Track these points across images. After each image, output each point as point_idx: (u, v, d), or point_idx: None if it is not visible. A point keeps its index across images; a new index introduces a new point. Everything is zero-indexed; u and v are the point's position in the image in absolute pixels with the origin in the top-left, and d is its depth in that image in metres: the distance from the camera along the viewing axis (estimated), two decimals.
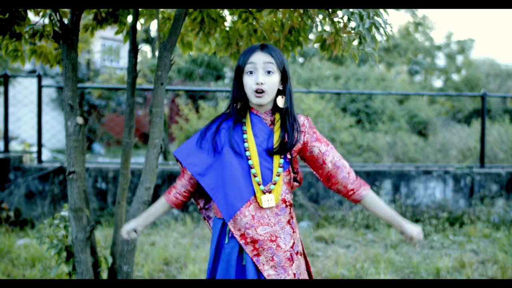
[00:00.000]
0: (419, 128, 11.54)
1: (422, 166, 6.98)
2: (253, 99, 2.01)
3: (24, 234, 5.42)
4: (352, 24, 2.43)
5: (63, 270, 3.83)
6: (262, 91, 1.98)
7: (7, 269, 4.16)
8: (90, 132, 13.60)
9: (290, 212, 2.07)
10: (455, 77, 23.91)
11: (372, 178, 6.44)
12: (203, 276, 4.17)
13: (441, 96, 15.81)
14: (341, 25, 2.52)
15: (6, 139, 6.28)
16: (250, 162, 2.00)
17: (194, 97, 14.10)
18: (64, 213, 3.45)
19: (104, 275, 3.40)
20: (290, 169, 2.07)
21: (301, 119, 2.10)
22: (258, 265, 1.98)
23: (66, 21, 2.87)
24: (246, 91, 2.02)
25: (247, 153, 2.01)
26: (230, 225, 1.99)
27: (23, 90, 10.41)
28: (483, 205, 6.43)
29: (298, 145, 2.07)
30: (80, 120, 2.85)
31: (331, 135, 9.10)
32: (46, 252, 3.39)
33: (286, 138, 2.01)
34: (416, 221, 6.09)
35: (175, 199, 2.15)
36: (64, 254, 3.33)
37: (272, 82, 1.99)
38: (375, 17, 2.32)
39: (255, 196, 2.00)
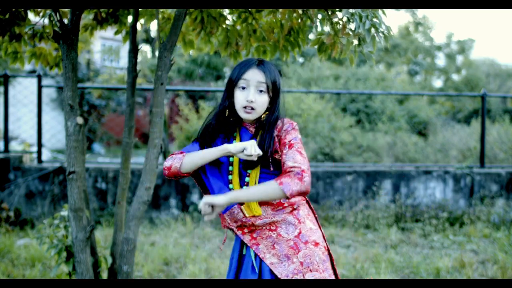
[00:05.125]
0: (419, 128, 11.53)
1: (422, 166, 6.98)
2: (242, 114, 2.07)
3: (24, 234, 5.42)
4: (352, 25, 2.43)
5: (63, 270, 3.83)
6: (252, 108, 2.05)
7: (7, 269, 4.17)
8: (90, 132, 13.60)
9: (294, 210, 2.09)
10: (455, 77, 23.89)
11: (372, 178, 6.44)
12: (203, 276, 4.17)
13: (441, 96, 15.81)
14: (340, 26, 2.52)
15: (6, 139, 6.28)
16: (229, 177, 2.09)
17: (194, 97, 14.11)
18: (64, 213, 3.46)
19: (104, 275, 3.40)
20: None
21: (283, 123, 2.08)
22: (258, 254, 2.02)
23: (66, 21, 2.87)
24: (236, 105, 2.08)
25: (230, 171, 2.10)
26: (227, 217, 2.06)
27: (23, 90, 10.41)
28: (483, 205, 6.43)
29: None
30: (80, 120, 2.85)
31: (331, 135, 9.10)
32: (46, 252, 3.39)
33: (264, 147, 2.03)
34: (416, 221, 6.10)
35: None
36: (64, 254, 3.33)
37: (262, 101, 2.06)
38: (374, 19, 2.32)
39: None
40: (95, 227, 5.37)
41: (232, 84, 2.09)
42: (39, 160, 6.23)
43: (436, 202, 6.41)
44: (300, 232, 2.05)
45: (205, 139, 2.13)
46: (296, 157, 1.96)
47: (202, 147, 2.13)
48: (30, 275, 4.04)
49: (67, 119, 2.83)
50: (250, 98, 2.03)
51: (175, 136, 10.68)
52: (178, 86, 14.39)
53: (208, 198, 1.89)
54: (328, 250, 2.14)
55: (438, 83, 24.58)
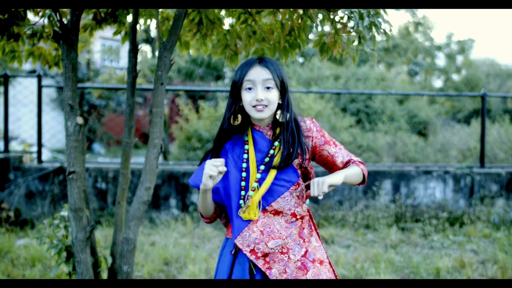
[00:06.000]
0: (419, 128, 11.53)
1: (422, 166, 6.98)
2: (254, 114, 2.00)
3: (24, 234, 5.42)
4: (352, 23, 2.43)
5: (63, 270, 3.83)
6: (265, 106, 1.99)
7: (7, 269, 4.17)
8: (90, 132, 13.60)
9: (302, 224, 2.06)
10: (455, 77, 23.89)
11: (372, 178, 6.44)
12: (203, 276, 4.17)
13: (441, 96, 15.81)
14: (341, 25, 2.52)
15: (6, 139, 6.28)
16: (243, 174, 2.00)
17: (194, 97, 14.10)
18: (64, 213, 3.46)
19: (104, 275, 3.40)
20: (300, 181, 2.06)
21: (307, 123, 2.08)
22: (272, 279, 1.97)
23: (65, 21, 2.87)
24: (245, 107, 2.02)
25: (244, 168, 2.01)
26: (238, 242, 1.99)
27: (23, 90, 10.41)
28: (483, 205, 6.43)
29: (306, 152, 2.05)
30: (80, 120, 2.85)
31: (331, 135, 9.10)
32: (46, 252, 3.40)
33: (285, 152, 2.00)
34: (416, 221, 6.10)
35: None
36: (64, 254, 3.33)
37: (272, 97, 2.00)
38: (375, 17, 2.32)
39: (263, 212, 2.01)
40: (95, 227, 5.36)
41: (236, 87, 2.02)
42: (39, 160, 6.23)
43: (436, 202, 6.41)
44: (306, 251, 2.02)
45: (214, 150, 2.09)
46: (347, 152, 2.14)
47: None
48: (30, 275, 4.04)
49: (67, 119, 2.83)
50: (259, 96, 1.96)
51: (175, 136, 10.67)
52: (178, 86, 14.39)
53: (329, 179, 1.88)
54: (331, 267, 2.13)
55: (438, 83, 24.58)
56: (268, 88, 1.99)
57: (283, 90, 2.04)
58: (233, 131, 2.08)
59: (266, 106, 1.99)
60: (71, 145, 2.84)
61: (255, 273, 2.01)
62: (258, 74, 1.99)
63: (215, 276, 2.12)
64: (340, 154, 2.10)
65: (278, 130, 2.05)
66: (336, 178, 1.91)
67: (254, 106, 1.98)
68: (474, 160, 7.83)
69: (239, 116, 2.07)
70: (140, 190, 2.96)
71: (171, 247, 4.89)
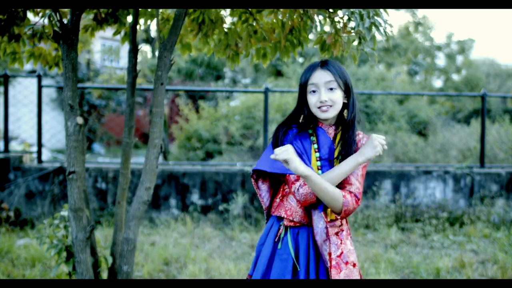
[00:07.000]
0: (419, 128, 11.53)
1: (422, 166, 6.98)
2: (319, 114, 2.10)
3: (24, 234, 5.42)
4: (352, 23, 2.44)
5: (63, 270, 3.83)
6: (330, 106, 2.09)
7: (7, 269, 4.17)
8: (90, 132, 13.60)
9: (341, 226, 2.12)
10: (455, 77, 23.88)
11: (372, 178, 6.44)
12: (203, 276, 4.17)
13: (441, 96, 15.81)
14: (341, 25, 2.53)
15: (6, 139, 6.28)
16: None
17: (194, 97, 14.11)
18: (64, 213, 3.46)
19: (104, 275, 3.40)
20: None
21: (360, 136, 2.17)
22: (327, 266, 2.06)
23: (66, 21, 2.87)
24: (311, 108, 2.12)
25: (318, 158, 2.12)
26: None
27: (23, 90, 10.41)
28: (483, 205, 6.43)
29: None
30: (80, 120, 2.85)
31: None
32: (46, 252, 3.40)
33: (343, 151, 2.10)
34: (416, 221, 6.10)
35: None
36: (64, 254, 3.33)
37: (336, 97, 2.09)
38: (375, 17, 2.32)
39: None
40: (95, 227, 5.37)
41: (303, 90, 2.14)
42: (39, 160, 6.23)
43: (436, 202, 6.41)
44: (342, 252, 2.10)
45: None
46: (359, 180, 2.11)
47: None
48: (30, 275, 4.04)
49: (67, 119, 2.83)
50: (323, 98, 2.07)
51: (175, 136, 10.68)
52: (178, 86, 14.39)
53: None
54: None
55: (438, 83, 24.56)
56: (331, 89, 2.09)
57: (347, 90, 2.13)
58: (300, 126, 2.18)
59: (331, 106, 2.09)
60: (71, 145, 2.84)
61: (299, 269, 2.09)
62: (320, 77, 2.09)
63: (254, 263, 2.18)
64: (353, 176, 2.11)
65: (340, 128, 2.16)
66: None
67: (319, 108, 2.09)
68: (474, 160, 7.83)
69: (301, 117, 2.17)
70: (140, 190, 2.96)
71: (171, 247, 4.89)
